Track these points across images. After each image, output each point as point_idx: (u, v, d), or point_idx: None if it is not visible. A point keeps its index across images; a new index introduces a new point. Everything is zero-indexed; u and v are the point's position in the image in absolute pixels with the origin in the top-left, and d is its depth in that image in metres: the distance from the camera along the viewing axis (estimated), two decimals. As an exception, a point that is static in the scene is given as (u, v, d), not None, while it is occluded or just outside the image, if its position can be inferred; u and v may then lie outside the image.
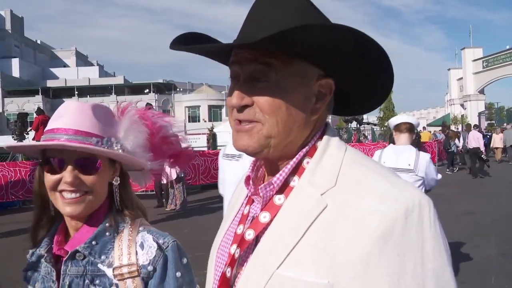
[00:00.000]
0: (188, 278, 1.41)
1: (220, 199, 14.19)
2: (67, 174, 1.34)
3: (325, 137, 1.04)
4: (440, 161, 23.46)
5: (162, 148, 1.59)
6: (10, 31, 76.07)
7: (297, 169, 1.02)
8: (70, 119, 1.37)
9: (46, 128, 1.40)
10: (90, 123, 1.37)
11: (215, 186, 15.66)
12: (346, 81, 1.05)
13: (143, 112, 1.57)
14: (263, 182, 1.08)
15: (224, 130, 22.38)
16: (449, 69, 57.37)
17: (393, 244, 0.84)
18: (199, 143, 20.21)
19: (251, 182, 1.09)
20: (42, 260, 1.43)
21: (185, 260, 1.43)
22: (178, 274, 1.38)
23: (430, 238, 0.86)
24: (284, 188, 1.02)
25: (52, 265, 1.41)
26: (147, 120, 1.55)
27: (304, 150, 1.02)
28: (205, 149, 19.46)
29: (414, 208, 0.86)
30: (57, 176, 1.35)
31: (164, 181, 11.48)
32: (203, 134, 23.46)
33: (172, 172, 10.81)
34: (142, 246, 1.38)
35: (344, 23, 1.01)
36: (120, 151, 1.41)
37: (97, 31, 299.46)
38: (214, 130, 24.75)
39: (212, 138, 22.63)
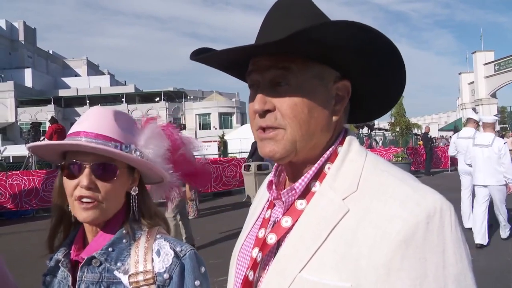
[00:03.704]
0: (206, 286, 1.40)
1: (232, 206, 14.12)
2: (84, 178, 1.34)
3: (345, 143, 1.05)
4: (453, 165, 23.24)
5: (181, 166, 1.60)
6: (23, 42, 77.09)
7: (318, 175, 1.03)
8: (91, 123, 1.39)
9: (69, 133, 1.42)
10: (110, 128, 1.38)
11: (227, 193, 15.80)
12: (361, 84, 1.06)
13: (165, 126, 1.58)
14: (284, 187, 1.10)
15: (235, 137, 22.49)
16: (460, 73, 56.91)
17: (414, 248, 0.85)
18: (210, 150, 20.29)
19: (273, 186, 1.10)
20: (60, 264, 1.43)
21: (203, 269, 1.41)
22: (197, 283, 1.36)
23: (451, 242, 0.87)
24: (306, 193, 1.03)
25: (68, 270, 1.40)
26: (169, 134, 1.57)
27: (325, 155, 1.03)
28: (216, 156, 19.51)
29: (435, 213, 0.87)
30: (75, 181, 1.35)
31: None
32: (214, 141, 23.52)
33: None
34: (158, 253, 1.37)
35: None
36: (139, 158, 1.41)
37: (108, 40, 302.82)
38: (225, 137, 24.85)
39: (223, 145, 22.70)
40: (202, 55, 1.03)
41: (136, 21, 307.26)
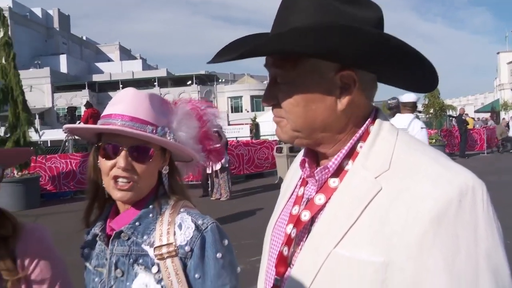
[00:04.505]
0: (229, 259, 1.41)
1: (263, 188, 14.12)
2: (121, 160, 1.38)
3: (377, 122, 1.05)
4: (489, 148, 22.68)
5: (203, 142, 1.62)
6: (58, 29, 78.65)
7: (351, 154, 1.05)
8: (127, 105, 1.42)
9: (103, 113, 1.46)
10: (146, 111, 1.42)
11: (259, 175, 15.92)
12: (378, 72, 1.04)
13: (194, 104, 1.60)
14: (317, 165, 1.11)
15: (266, 120, 22.51)
16: (498, 53, 55.12)
17: (447, 225, 0.86)
18: (242, 133, 20.41)
19: (306, 164, 1.11)
20: (97, 238, 1.50)
21: (226, 242, 1.43)
22: (219, 255, 1.38)
23: (483, 220, 0.87)
24: (338, 171, 1.05)
25: (105, 243, 1.47)
26: (198, 112, 1.59)
27: (357, 134, 1.04)
28: (249, 138, 19.59)
29: (467, 191, 0.88)
30: (111, 162, 1.40)
31: (209, 171, 11.66)
32: (246, 124, 23.60)
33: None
34: (180, 226, 1.40)
35: (384, 9, 1.01)
36: (172, 140, 1.45)
37: (139, 25, 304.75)
38: (257, 120, 24.89)
39: (255, 128, 22.76)
40: (213, 60, 1.11)
41: (168, 6, 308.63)
